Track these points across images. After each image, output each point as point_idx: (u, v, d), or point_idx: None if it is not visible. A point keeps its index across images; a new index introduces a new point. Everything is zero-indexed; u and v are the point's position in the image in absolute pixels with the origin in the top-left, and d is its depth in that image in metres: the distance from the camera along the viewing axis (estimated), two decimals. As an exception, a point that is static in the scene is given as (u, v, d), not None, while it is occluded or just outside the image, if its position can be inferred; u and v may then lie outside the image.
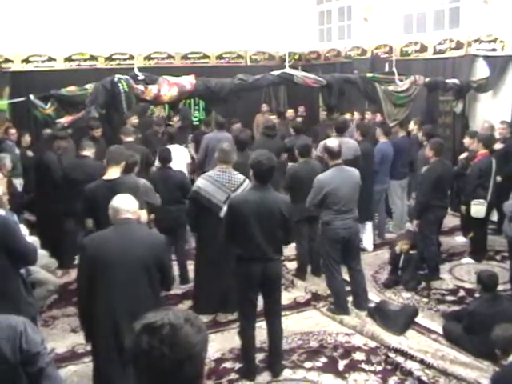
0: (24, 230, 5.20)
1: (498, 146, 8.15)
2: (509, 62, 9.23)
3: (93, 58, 11.49)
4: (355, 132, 8.86)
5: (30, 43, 10.57)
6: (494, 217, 8.44)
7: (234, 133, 7.95)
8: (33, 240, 5.32)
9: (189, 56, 12.59)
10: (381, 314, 6.11)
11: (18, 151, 8.86)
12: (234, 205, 4.90)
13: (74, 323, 6.13)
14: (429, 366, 5.16)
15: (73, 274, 7.01)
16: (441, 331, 5.81)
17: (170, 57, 12.36)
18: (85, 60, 11.43)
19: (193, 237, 6.88)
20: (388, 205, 9.02)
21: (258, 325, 5.18)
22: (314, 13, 14.09)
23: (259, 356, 5.31)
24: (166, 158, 7.10)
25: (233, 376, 5.13)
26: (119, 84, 7.50)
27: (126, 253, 3.86)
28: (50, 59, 11.12)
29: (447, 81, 9.63)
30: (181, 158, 8.05)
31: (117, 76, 7.60)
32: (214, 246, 6.13)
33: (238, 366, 5.26)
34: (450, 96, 10.12)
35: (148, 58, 12.03)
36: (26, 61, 10.91)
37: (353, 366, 5.25)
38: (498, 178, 7.75)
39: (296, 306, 6.60)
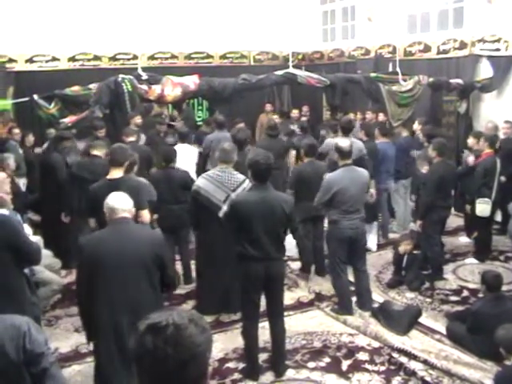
0: (28, 229, 5.21)
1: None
2: (512, 62, 9.22)
3: (96, 57, 11.51)
4: (359, 132, 8.85)
5: (33, 43, 10.60)
6: (498, 217, 8.42)
7: (232, 132, 7.94)
8: (36, 240, 5.33)
9: (192, 56, 12.60)
10: (384, 314, 6.10)
11: (21, 151, 8.86)
12: (236, 205, 4.89)
13: (77, 323, 6.11)
14: (432, 367, 5.16)
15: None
16: (444, 331, 5.80)
17: (173, 57, 12.37)
18: (88, 60, 11.45)
19: (193, 236, 6.86)
20: (391, 204, 9.01)
21: (261, 325, 5.17)
22: (317, 13, 14.08)
23: (262, 356, 5.31)
24: (170, 158, 7.10)
25: (236, 376, 5.13)
26: (123, 84, 7.53)
27: (124, 252, 3.84)
28: (54, 59, 11.15)
29: (451, 81, 9.62)
30: (190, 157, 8.05)
31: (120, 76, 7.62)
32: (214, 246, 6.15)
33: (241, 365, 5.25)
34: (453, 96, 10.11)
35: (152, 57, 12.04)
36: (30, 61, 10.94)
37: (356, 366, 5.24)
38: (502, 178, 7.73)
39: (299, 305, 6.60)
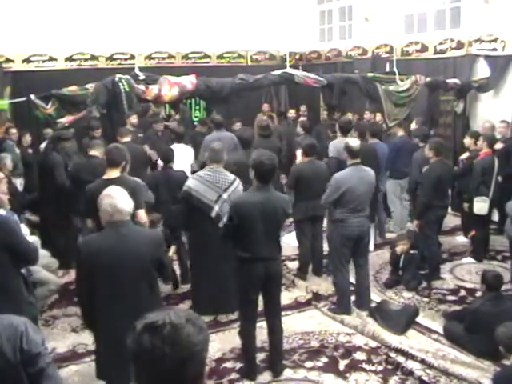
0: (25, 229, 5.20)
1: (498, 145, 8.15)
2: (509, 62, 9.22)
3: (94, 57, 11.49)
4: (354, 132, 8.86)
5: (30, 43, 10.57)
6: (495, 217, 8.43)
7: (238, 132, 7.93)
8: (33, 240, 5.32)
9: (190, 56, 12.59)
10: (382, 313, 6.11)
11: (18, 151, 8.85)
12: (239, 206, 4.86)
13: (74, 323, 6.14)
14: (430, 366, 5.17)
15: (73, 273, 6.96)
16: (442, 331, 5.81)
17: (170, 56, 12.36)
18: (86, 60, 11.43)
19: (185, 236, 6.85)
20: (386, 204, 9.01)
21: (258, 324, 5.18)
22: (314, 12, 14.09)
23: (260, 356, 5.31)
24: (168, 158, 7.10)
25: (234, 376, 5.13)
26: (120, 84, 7.52)
27: (124, 255, 3.78)
28: (51, 59, 11.12)
29: (448, 80, 9.63)
30: (186, 157, 8.05)
31: (118, 76, 7.61)
32: (207, 246, 6.15)
33: (238, 365, 5.26)
34: (450, 96, 10.12)
35: (149, 57, 12.02)
36: (27, 61, 10.91)
37: (354, 366, 5.25)
38: (499, 178, 7.74)
39: (297, 305, 6.61)
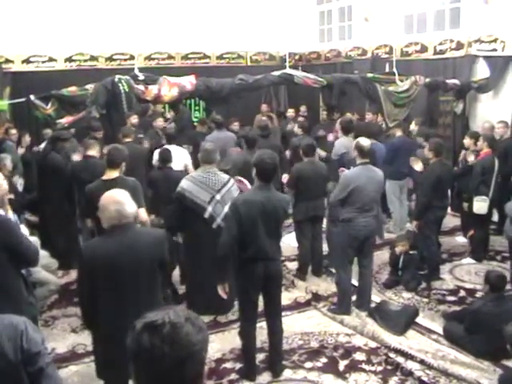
0: (24, 230, 5.20)
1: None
2: (509, 63, 9.23)
3: (93, 58, 11.50)
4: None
5: (30, 44, 10.58)
6: (495, 217, 8.43)
7: (244, 132, 7.93)
8: (33, 240, 5.31)
9: (189, 56, 12.60)
10: (381, 314, 6.11)
11: (18, 151, 8.86)
12: (240, 205, 4.84)
13: (74, 323, 6.14)
14: (429, 367, 5.17)
15: (73, 274, 7.01)
16: (441, 331, 5.81)
17: (170, 57, 12.37)
18: (85, 60, 11.44)
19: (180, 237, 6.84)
20: (385, 205, 9.01)
21: (258, 325, 5.17)
22: (314, 13, 14.09)
23: (260, 356, 5.31)
24: (167, 158, 7.11)
25: (233, 376, 5.12)
26: (120, 84, 7.53)
27: (131, 258, 3.73)
28: (51, 59, 11.13)
29: (447, 81, 9.63)
30: (179, 158, 8.04)
31: (117, 76, 7.62)
32: (200, 247, 6.16)
33: (238, 366, 5.25)
34: (450, 96, 10.12)
35: (148, 58, 12.03)
36: (27, 61, 10.92)
37: (353, 367, 5.25)
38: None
39: (296, 306, 6.60)
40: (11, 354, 2.46)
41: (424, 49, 10.72)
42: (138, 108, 8.64)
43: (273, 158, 4.85)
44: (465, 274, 7.46)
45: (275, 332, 5.14)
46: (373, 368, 5.21)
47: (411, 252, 7.32)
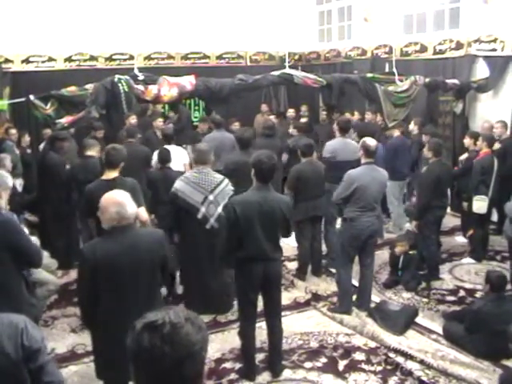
0: (24, 230, 5.19)
1: (495, 145, 8.16)
2: (509, 62, 9.22)
3: (93, 58, 11.49)
4: (353, 133, 8.87)
5: (30, 43, 10.57)
6: (494, 217, 8.44)
7: (238, 132, 7.92)
8: (32, 240, 5.31)
9: (189, 56, 12.59)
10: (381, 314, 6.11)
11: (18, 151, 8.85)
12: (237, 205, 4.85)
13: (73, 323, 6.14)
14: (429, 366, 5.17)
15: (73, 274, 7.02)
16: (441, 331, 5.82)
17: (170, 57, 12.36)
18: (85, 60, 11.42)
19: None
20: (385, 204, 9.00)
21: (258, 325, 5.18)
22: (313, 13, 14.09)
23: (259, 356, 5.32)
24: (166, 159, 7.11)
25: (233, 376, 5.13)
26: (119, 84, 7.51)
27: (132, 259, 3.73)
28: (51, 59, 11.12)
29: (447, 81, 9.63)
30: (178, 158, 8.05)
31: (117, 76, 7.60)
32: (195, 247, 6.19)
33: (238, 366, 5.26)
34: (450, 96, 10.11)
35: (148, 58, 12.02)
36: (27, 61, 10.91)
37: (353, 367, 5.25)
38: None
39: (296, 306, 6.61)
40: (12, 351, 2.47)
41: (424, 49, 10.72)
42: (137, 108, 8.64)
43: (270, 157, 4.85)
44: (464, 274, 7.46)
45: (275, 332, 5.15)
46: (372, 368, 5.22)
47: (411, 252, 7.32)
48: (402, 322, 5.95)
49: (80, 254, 3.86)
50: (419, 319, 6.14)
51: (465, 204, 7.96)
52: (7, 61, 10.64)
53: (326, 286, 7.08)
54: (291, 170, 7.41)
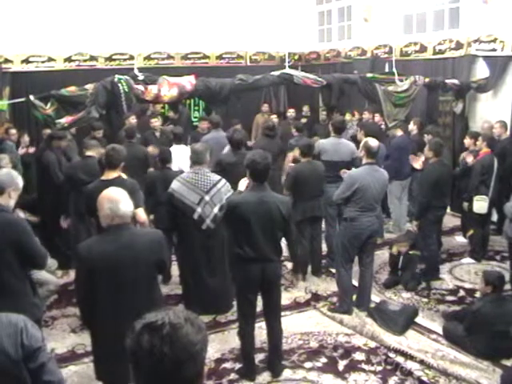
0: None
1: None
2: (508, 62, 9.22)
3: (93, 58, 11.49)
4: (358, 132, 8.85)
5: (30, 43, 10.57)
6: (494, 217, 8.44)
7: (229, 133, 7.93)
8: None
9: (189, 56, 12.59)
10: (381, 314, 6.11)
11: (18, 151, 8.85)
12: (234, 206, 4.87)
13: (73, 324, 6.14)
14: (429, 366, 5.18)
15: (72, 274, 6.98)
16: (441, 331, 5.82)
17: (170, 57, 12.36)
18: (85, 60, 11.43)
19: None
20: (385, 204, 9.00)
21: (257, 325, 5.18)
22: (313, 13, 14.09)
23: (259, 356, 5.32)
24: (166, 159, 7.11)
25: (233, 376, 5.13)
26: (119, 84, 7.51)
27: (127, 258, 3.71)
28: (50, 59, 11.12)
29: (447, 81, 9.63)
30: (186, 158, 8.05)
31: (117, 76, 7.60)
32: (192, 248, 6.19)
33: (237, 366, 5.26)
34: (449, 96, 10.11)
35: (148, 58, 12.03)
36: (26, 61, 10.91)
37: (353, 367, 5.25)
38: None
39: (296, 306, 6.61)
40: (12, 350, 2.47)
41: (423, 49, 10.72)
42: (137, 108, 8.64)
43: (264, 157, 4.84)
44: (464, 274, 7.46)
45: (274, 332, 5.15)
46: (372, 368, 5.22)
47: (411, 252, 7.32)
48: (402, 321, 5.95)
49: (76, 253, 3.85)
50: (419, 319, 6.15)
51: (465, 204, 7.96)
52: (7, 61, 10.64)
53: (326, 285, 7.08)
54: (290, 170, 7.41)
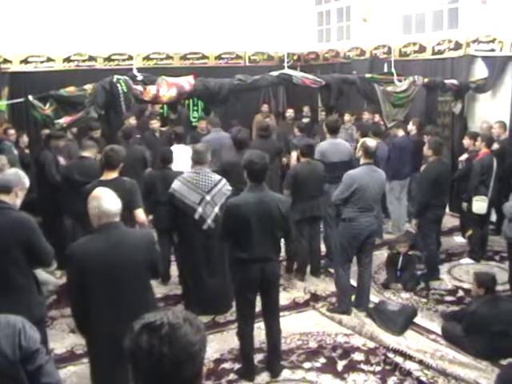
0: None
1: (493, 146, 8.16)
2: (507, 63, 9.23)
3: (92, 58, 11.49)
4: (355, 133, 8.86)
5: (28, 44, 10.57)
6: (493, 217, 8.44)
7: (233, 133, 7.93)
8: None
9: (188, 56, 12.59)
10: (380, 314, 6.11)
11: (16, 152, 8.84)
12: (233, 207, 4.86)
13: (72, 324, 6.09)
14: (428, 367, 5.18)
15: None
16: (440, 331, 5.82)
17: (168, 57, 12.36)
18: (84, 60, 11.43)
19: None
20: (385, 205, 9.01)
21: (256, 325, 5.18)
22: (312, 13, 14.09)
23: (258, 356, 5.32)
24: (167, 159, 7.10)
25: (232, 376, 5.13)
26: (118, 84, 7.51)
27: (118, 259, 3.71)
28: (49, 60, 11.12)
29: (446, 81, 9.62)
30: (187, 158, 8.05)
31: (116, 76, 7.60)
32: (193, 248, 6.20)
33: (236, 366, 5.26)
34: (448, 96, 10.12)
35: (147, 58, 12.02)
36: (25, 61, 10.91)
37: (352, 367, 5.25)
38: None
39: (295, 306, 6.61)
40: (9, 352, 2.47)
41: (422, 49, 10.71)
42: (136, 109, 8.64)
43: (261, 157, 4.85)
44: (463, 274, 7.46)
45: (273, 332, 5.15)
46: (371, 368, 5.22)
47: (410, 252, 7.32)
48: (401, 322, 5.95)
49: (66, 254, 3.85)
50: (418, 319, 6.15)
51: (464, 204, 7.95)
52: (6, 61, 10.64)
53: (325, 286, 7.08)
54: (289, 170, 7.42)
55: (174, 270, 7.22)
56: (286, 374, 5.16)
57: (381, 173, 6.28)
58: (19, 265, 4.17)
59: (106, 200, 3.78)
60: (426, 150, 7.21)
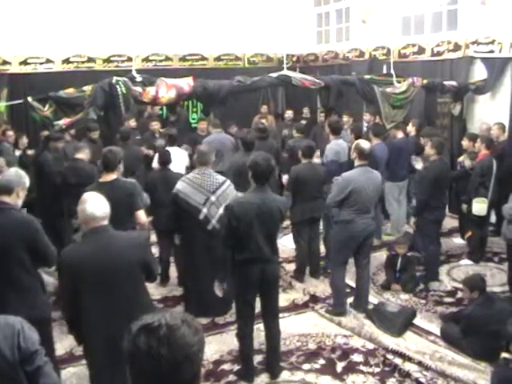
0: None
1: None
2: (506, 64, 9.23)
3: (91, 59, 11.49)
4: (350, 135, 8.86)
5: (28, 45, 10.57)
6: (492, 218, 8.44)
7: (241, 134, 7.93)
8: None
9: (187, 58, 12.60)
10: (379, 315, 6.11)
11: (16, 153, 8.85)
12: (236, 208, 4.85)
13: (72, 325, 6.12)
14: (427, 368, 5.18)
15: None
16: (439, 333, 5.82)
17: (168, 59, 12.37)
18: (83, 62, 11.43)
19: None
20: (384, 206, 9.00)
21: (256, 326, 5.18)
22: (312, 15, 14.10)
23: (257, 358, 5.31)
24: (166, 160, 7.11)
25: (231, 378, 5.13)
26: (117, 86, 7.50)
27: (107, 261, 3.69)
28: (48, 61, 11.12)
29: (445, 82, 9.62)
30: (180, 160, 8.06)
31: (115, 78, 7.60)
32: (196, 249, 6.19)
33: (236, 367, 5.26)
34: (447, 98, 10.12)
35: (146, 59, 12.03)
36: (24, 63, 10.91)
37: (351, 368, 5.25)
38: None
39: (294, 307, 6.61)
40: (8, 352, 2.47)
41: (421, 50, 10.73)
42: (135, 110, 8.64)
43: (267, 159, 4.85)
44: (462, 276, 7.40)
45: (273, 333, 5.15)
46: (370, 369, 5.22)
47: (409, 254, 7.32)
48: (400, 323, 5.95)
49: (57, 260, 3.88)
50: (417, 321, 6.14)
51: (464, 206, 7.95)
52: (5, 62, 10.65)
53: (324, 287, 7.07)
54: (290, 171, 7.42)
55: (173, 271, 7.23)
56: (285, 375, 5.16)
57: (376, 174, 6.26)
58: (24, 265, 4.20)
59: (90, 204, 3.75)
60: (429, 149, 7.20)
